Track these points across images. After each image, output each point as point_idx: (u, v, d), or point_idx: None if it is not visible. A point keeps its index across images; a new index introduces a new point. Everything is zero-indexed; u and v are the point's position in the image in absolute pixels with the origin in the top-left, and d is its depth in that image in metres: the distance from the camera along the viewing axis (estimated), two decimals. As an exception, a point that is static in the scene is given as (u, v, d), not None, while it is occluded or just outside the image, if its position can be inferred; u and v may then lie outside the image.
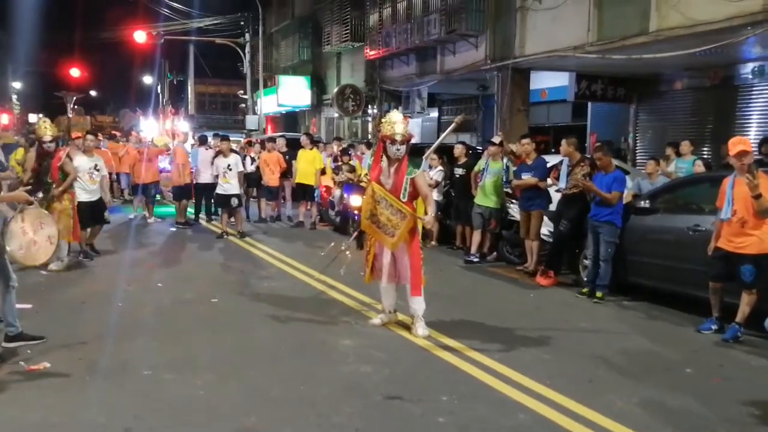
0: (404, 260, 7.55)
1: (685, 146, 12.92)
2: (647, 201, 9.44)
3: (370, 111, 26.05)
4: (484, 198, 12.09)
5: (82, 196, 11.27)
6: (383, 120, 7.67)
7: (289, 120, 36.60)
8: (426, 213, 7.57)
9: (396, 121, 7.48)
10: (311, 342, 7.18)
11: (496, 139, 12.60)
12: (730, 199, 7.49)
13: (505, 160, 12.23)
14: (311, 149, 16.53)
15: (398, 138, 7.42)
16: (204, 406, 5.42)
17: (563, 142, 10.62)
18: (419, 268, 7.52)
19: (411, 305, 7.58)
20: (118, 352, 6.64)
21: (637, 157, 18.74)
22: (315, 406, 5.40)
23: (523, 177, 11.35)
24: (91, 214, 11.55)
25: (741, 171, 7.37)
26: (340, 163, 15.68)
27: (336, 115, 28.62)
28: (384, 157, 7.57)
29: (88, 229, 11.68)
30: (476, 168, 12.57)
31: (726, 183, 7.63)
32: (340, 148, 17.76)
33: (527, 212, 11.34)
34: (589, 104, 19.75)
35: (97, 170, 11.65)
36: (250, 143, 21.46)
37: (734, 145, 7.53)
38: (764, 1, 10.76)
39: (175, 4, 36.64)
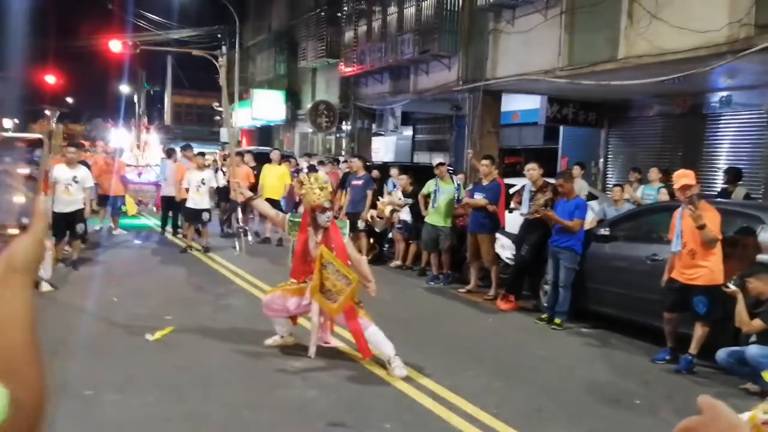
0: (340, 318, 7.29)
1: (653, 173, 13.00)
2: (607, 228, 9.44)
3: (344, 127, 26.04)
4: (438, 218, 12.15)
5: (57, 206, 11.16)
6: (306, 184, 7.26)
7: (264, 134, 36.51)
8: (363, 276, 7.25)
9: (323, 187, 7.23)
10: (260, 364, 7.08)
11: (443, 160, 12.78)
12: (680, 232, 7.55)
13: (455, 180, 12.38)
14: (279, 164, 16.46)
15: (328, 205, 7.27)
16: (141, 429, 5.31)
17: (532, 165, 10.65)
18: (360, 331, 7.07)
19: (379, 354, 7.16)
20: (60, 371, 6.46)
21: (607, 182, 18.79)
22: (254, 432, 5.31)
23: (475, 197, 11.37)
24: (65, 226, 11.45)
25: (685, 203, 7.44)
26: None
27: (310, 130, 28.57)
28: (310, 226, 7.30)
29: (65, 240, 11.65)
30: (424, 190, 12.66)
31: (676, 215, 7.70)
32: (308, 165, 17.69)
33: (474, 235, 11.36)
34: (561, 128, 19.80)
35: (76, 182, 11.53)
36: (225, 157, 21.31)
37: (678, 178, 7.67)
38: (729, 34, 10.84)
39: (153, 16, 36.52)
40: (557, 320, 9.31)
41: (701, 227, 7.21)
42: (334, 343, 7.70)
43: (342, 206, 13.87)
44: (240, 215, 15.56)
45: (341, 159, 20.16)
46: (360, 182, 14.05)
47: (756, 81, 13.10)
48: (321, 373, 6.84)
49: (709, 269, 7.35)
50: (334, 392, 6.30)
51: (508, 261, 11.12)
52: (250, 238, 15.70)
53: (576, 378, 7.18)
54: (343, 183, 14.75)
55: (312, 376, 6.75)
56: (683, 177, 7.62)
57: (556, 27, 14.65)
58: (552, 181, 10.41)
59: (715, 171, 15.22)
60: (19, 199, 1.14)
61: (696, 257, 7.42)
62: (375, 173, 14.49)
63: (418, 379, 6.74)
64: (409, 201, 13.45)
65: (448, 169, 14.79)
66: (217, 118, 42.82)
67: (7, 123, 60.12)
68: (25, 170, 1.18)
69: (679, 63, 11.76)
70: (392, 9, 20.69)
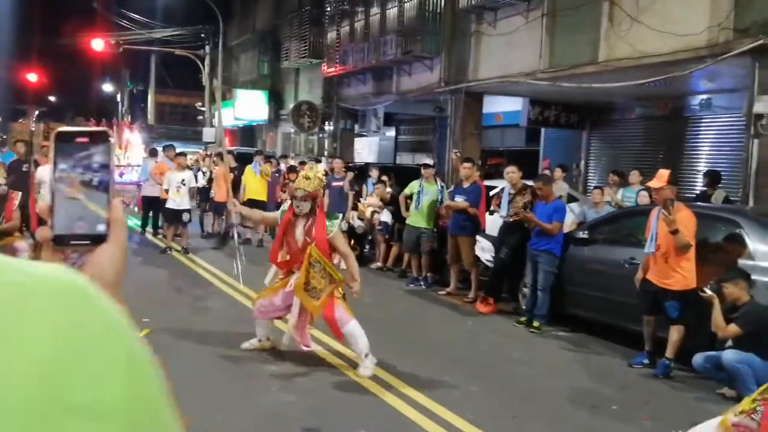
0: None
1: (634, 176, 12.99)
2: (586, 232, 9.45)
3: (326, 128, 25.97)
4: (420, 219, 12.10)
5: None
6: (302, 172, 7.21)
7: (247, 134, 36.39)
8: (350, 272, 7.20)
9: (308, 176, 7.11)
10: (237, 367, 7.04)
11: (429, 161, 12.72)
12: (654, 234, 7.54)
13: (439, 181, 12.36)
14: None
15: (299, 194, 7.02)
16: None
17: (511, 168, 10.67)
18: (333, 318, 6.96)
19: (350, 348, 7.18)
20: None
21: (589, 184, 18.82)
22: (227, 438, 5.27)
23: (456, 199, 11.36)
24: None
25: (660, 204, 7.46)
26: (287, 181, 15.53)
27: (292, 130, 28.51)
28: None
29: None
30: (407, 191, 12.61)
31: (652, 215, 7.68)
32: (288, 165, 17.62)
33: (454, 237, 11.35)
34: (543, 130, 19.83)
35: None
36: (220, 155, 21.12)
37: (655, 178, 7.66)
38: (708, 38, 10.88)
39: (136, 16, 36.37)
40: (536, 323, 9.31)
41: (674, 232, 7.21)
42: (313, 347, 7.66)
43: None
44: (228, 219, 15.40)
45: (322, 160, 20.11)
46: (340, 183, 14.03)
47: (736, 84, 13.13)
48: (297, 378, 6.80)
49: (683, 275, 7.36)
50: (309, 397, 6.27)
51: (487, 263, 11.10)
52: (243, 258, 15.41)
53: (553, 383, 7.17)
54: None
55: (288, 380, 6.71)
56: (655, 179, 7.66)
57: (537, 29, 14.66)
58: (531, 183, 10.41)
59: (696, 173, 15.28)
60: (88, 206, 0.94)
61: (669, 261, 7.42)
62: (350, 175, 14.43)
63: (394, 384, 6.71)
64: (390, 208, 13.43)
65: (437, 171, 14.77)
66: (200, 117, 42.60)
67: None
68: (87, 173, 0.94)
69: (660, 66, 11.79)
70: (375, 10, 20.67)
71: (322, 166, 16.71)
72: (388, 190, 13.75)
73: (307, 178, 7.12)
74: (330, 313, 6.99)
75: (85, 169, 0.94)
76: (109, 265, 0.92)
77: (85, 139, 0.94)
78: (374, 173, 14.75)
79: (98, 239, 0.94)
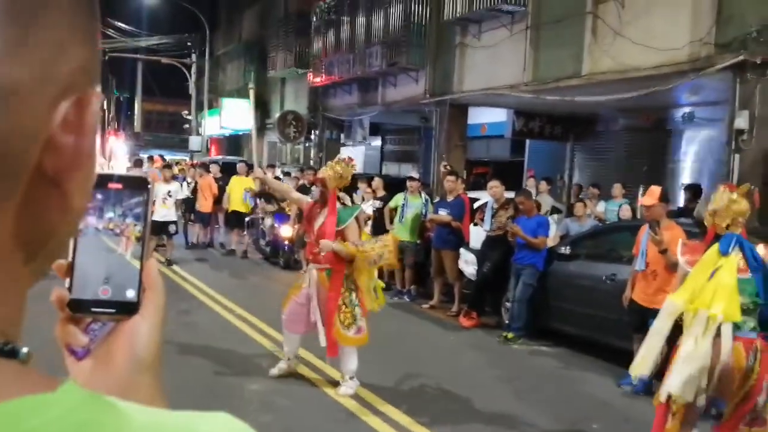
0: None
1: (617, 189, 13.06)
2: (568, 247, 9.48)
3: (312, 137, 25.97)
4: (404, 233, 12.03)
5: None
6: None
7: (232, 143, 36.34)
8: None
9: (329, 165, 7.04)
10: (215, 385, 6.99)
11: (415, 174, 12.72)
12: (644, 251, 7.52)
13: (423, 195, 12.35)
14: (246, 176, 16.34)
15: (321, 181, 7.04)
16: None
17: (494, 183, 10.69)
18: (332, 324, 6.80)
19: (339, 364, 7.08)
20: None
21: (572, 196, 18.86)
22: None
23: (439, 213, 11.38)
24: None
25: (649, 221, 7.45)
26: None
27: (278, 139, 28.50)
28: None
29: None
30: (392, 203, 12.57)
31: (642, 232, 7.66)
32: (274, 176, 17.58)
33: (438, 251, 11.37)
34: (527, 141, 19.89)
35: None
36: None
37: (646, 195, 7.63)
38: (690, 52, 10.95)
39: (122, 25, 36.30)
40: (510, 334, 9.35)
41: (663, 252, 7.20)
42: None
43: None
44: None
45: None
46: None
47: (718, 97, 13.18)
48: (277, 397, 6.76)
49: (668, 294, 7.35)
50: (288, 417, 6.24)
51: (471, 277, 11.10)
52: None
53: (533, 400, 7.17)
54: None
55: (268, 399, 6.68)
56: (646, 196, 7.62)
57: (521, 42, 14.71)
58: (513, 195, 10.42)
59: (679, 186, 15.35)
60: (122, 266, 0.79)
61: (657, 279, 7.41)
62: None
63: (374, 402, 6.69)
64: (378, 204, 13.27)
65: (425, 184, 14.72)
66: (187, 126, 42.54)
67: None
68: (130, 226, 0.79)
69: (643, 80, 11.84)
70: (360, 21, 20.69)
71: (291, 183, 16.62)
72: (369, 209, 13.28)
73: (330, 167, 6.99)
74: (330, 314, 6.80)
75: (118, 220, 0.80)
76: (144, 346, 0.76)
77: (118, 186, 0.80)
78: (363, 186, 14.53)
79: (126, 308, 0.79)
